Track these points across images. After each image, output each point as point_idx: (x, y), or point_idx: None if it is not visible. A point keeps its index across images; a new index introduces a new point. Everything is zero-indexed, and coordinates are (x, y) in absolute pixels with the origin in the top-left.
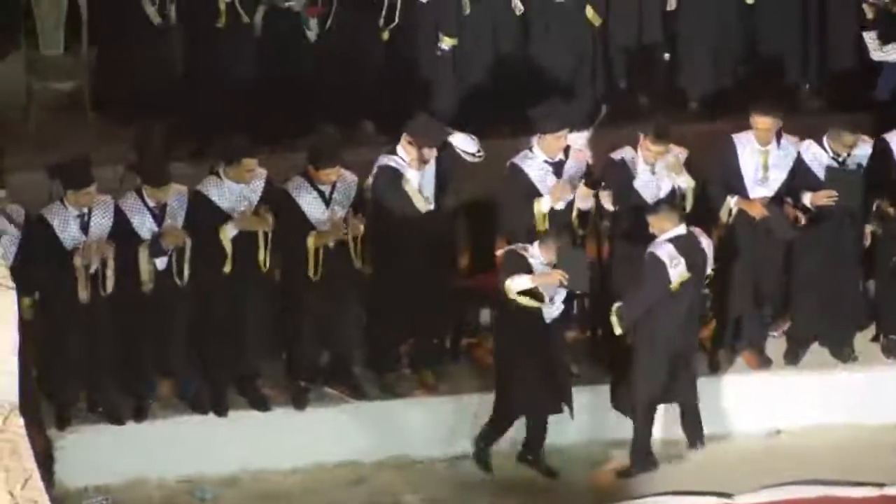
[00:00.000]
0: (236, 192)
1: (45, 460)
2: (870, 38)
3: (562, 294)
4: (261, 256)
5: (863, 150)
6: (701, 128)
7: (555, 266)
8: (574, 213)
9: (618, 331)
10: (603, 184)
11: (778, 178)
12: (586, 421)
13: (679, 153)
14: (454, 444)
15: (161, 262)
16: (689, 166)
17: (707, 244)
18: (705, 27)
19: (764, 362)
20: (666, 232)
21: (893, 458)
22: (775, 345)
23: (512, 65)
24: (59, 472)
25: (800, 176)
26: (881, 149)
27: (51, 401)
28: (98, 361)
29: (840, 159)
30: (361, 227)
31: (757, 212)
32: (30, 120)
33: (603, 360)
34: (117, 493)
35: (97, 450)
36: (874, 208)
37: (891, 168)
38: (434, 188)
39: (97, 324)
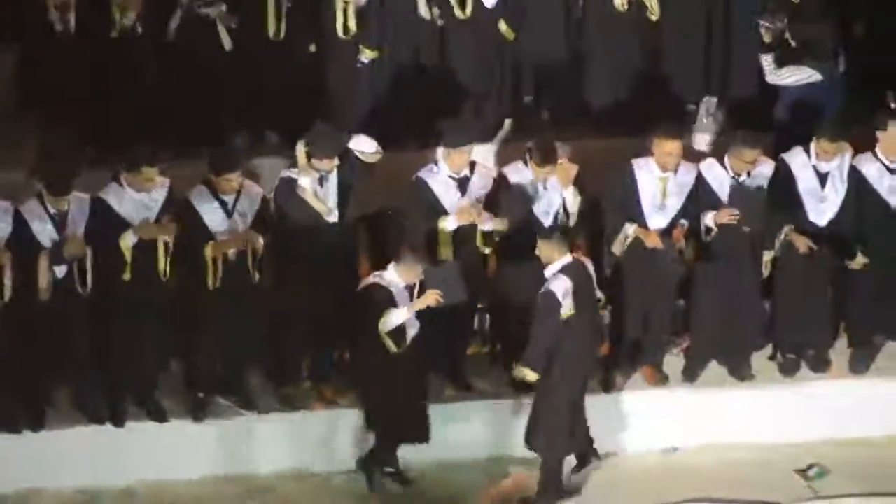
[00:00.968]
0: (137, 200)
1: None
2: (766, 61)
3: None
4: (160, 266)
5: (764, 169)
6: (600, 143)
7: (421, 284)
8: (478, 232)
9: (532, 378)
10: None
11: (675, 204)
12: (487, 436)
13: (569, 168)
14: (352, 457)
15: (60, 271)
16: (578, 182)
17: (591, 269)
18: (610, 44)
19: (661, 379)
20: (554, 262)
21: (788, 476)
22: (675, 362)
23: (426, 78)
24: None
25: (702, 196)
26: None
27: None
28: None
29: (741, 179)
30: (260, 240)
31: (653, 242)
32: None
33: (503, 374)
34: (12, 503)
35: None
36: (782, 235)
37: (791, 187)
38: (336, 197)
39: None
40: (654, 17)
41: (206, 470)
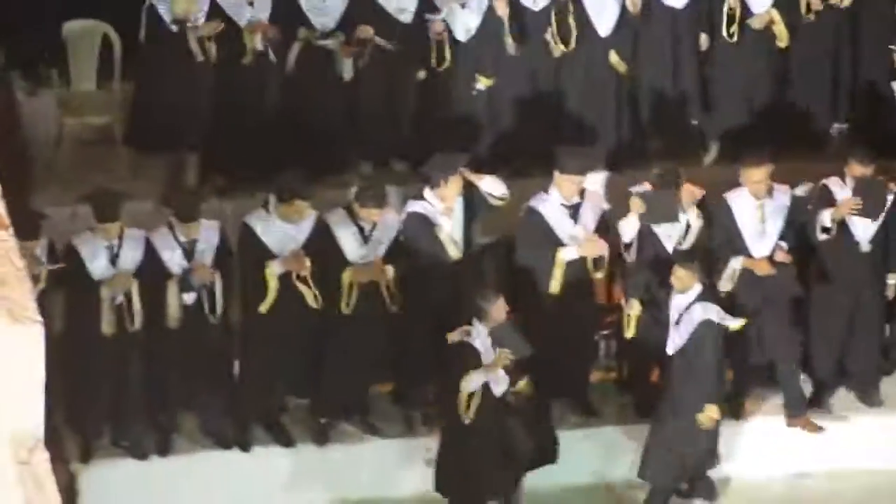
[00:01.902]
0: (284, 230)
1: (69, 494)
2: None
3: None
4: (308, 297)
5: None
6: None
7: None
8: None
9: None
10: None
11: (774, 229)
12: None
13: (693, 190)
14: None
15: (189, 298)
16: (703, 208)
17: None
18: (735, 73)
19: (814, 428)
20: (689, 290)
21: None
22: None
23: (543, 107)
24: None
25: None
26: None
27: (75, 434)
28: (123, 395)
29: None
30: (391, 271)
31: (764, 270)
32: (61, 155)
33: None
34: None
35: (120, 484)
36: None
37: None
38: (462, 232)
39: (123, 357)
40: (782, 44)
41: (332, 495)
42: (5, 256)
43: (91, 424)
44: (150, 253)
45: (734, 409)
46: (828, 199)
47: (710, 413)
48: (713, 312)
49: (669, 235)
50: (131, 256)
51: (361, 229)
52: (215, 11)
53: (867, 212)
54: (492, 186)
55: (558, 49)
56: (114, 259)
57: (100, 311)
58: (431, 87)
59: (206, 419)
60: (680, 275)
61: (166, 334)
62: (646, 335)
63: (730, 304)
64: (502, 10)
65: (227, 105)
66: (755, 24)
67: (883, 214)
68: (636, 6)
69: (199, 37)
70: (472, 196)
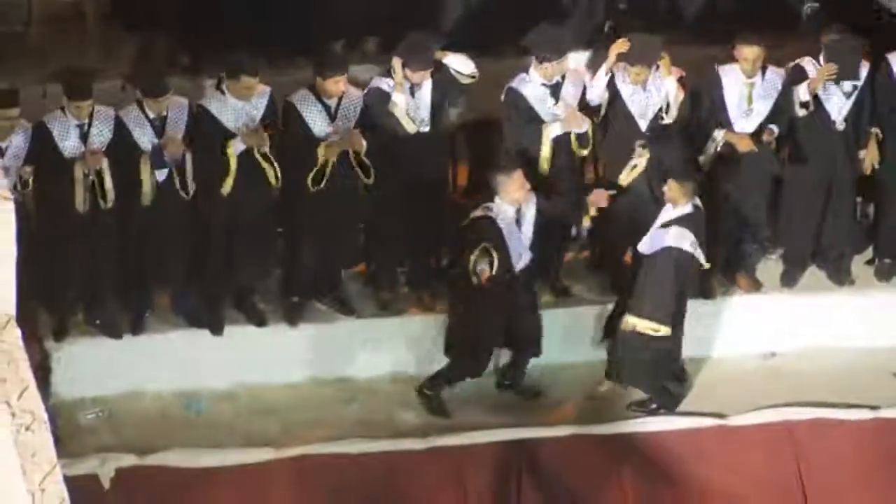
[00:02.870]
0: (238, 108)
1: (42, 371)
2: None
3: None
4: (269, 173)
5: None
6: (697, 52)
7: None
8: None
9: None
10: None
11: (761, 110)
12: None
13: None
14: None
15: (161, 175)
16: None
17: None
18: None
19: (754, 285)
20: (678, 205)
21: (887, 381)
22: (775, 267)
23: None
24: (55, 384)
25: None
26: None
27: (48, 312)
28: (97, 273)
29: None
30: (364, 142)
31: (745, 146)
32: (32, 32)
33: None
34: (113, 405)
35: (93, 362)
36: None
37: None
38: (430, 110)
39: (97, 235)
40: None
41: (303, 374)
42: None
43: (64, 302)
44: (121, 130)
45: (706, 290)
46: (802, 78)
47: (656, 328)
48: (687, 242)
49: (643, 115)
50: (103, 134)
51: (327, 107)
52: None
53: (844, 73)
54: (460, 64)
55: None
56: (84, 137)
57: (72, 190)
58: None
59: (178, 298)
60: (672, 187)
61: (139, 211)
62: (622, 217)
63: (708, 184)
64: None
65: None
66: None
67: (859, 82)
68: None
69: None
70: (440, 74)
